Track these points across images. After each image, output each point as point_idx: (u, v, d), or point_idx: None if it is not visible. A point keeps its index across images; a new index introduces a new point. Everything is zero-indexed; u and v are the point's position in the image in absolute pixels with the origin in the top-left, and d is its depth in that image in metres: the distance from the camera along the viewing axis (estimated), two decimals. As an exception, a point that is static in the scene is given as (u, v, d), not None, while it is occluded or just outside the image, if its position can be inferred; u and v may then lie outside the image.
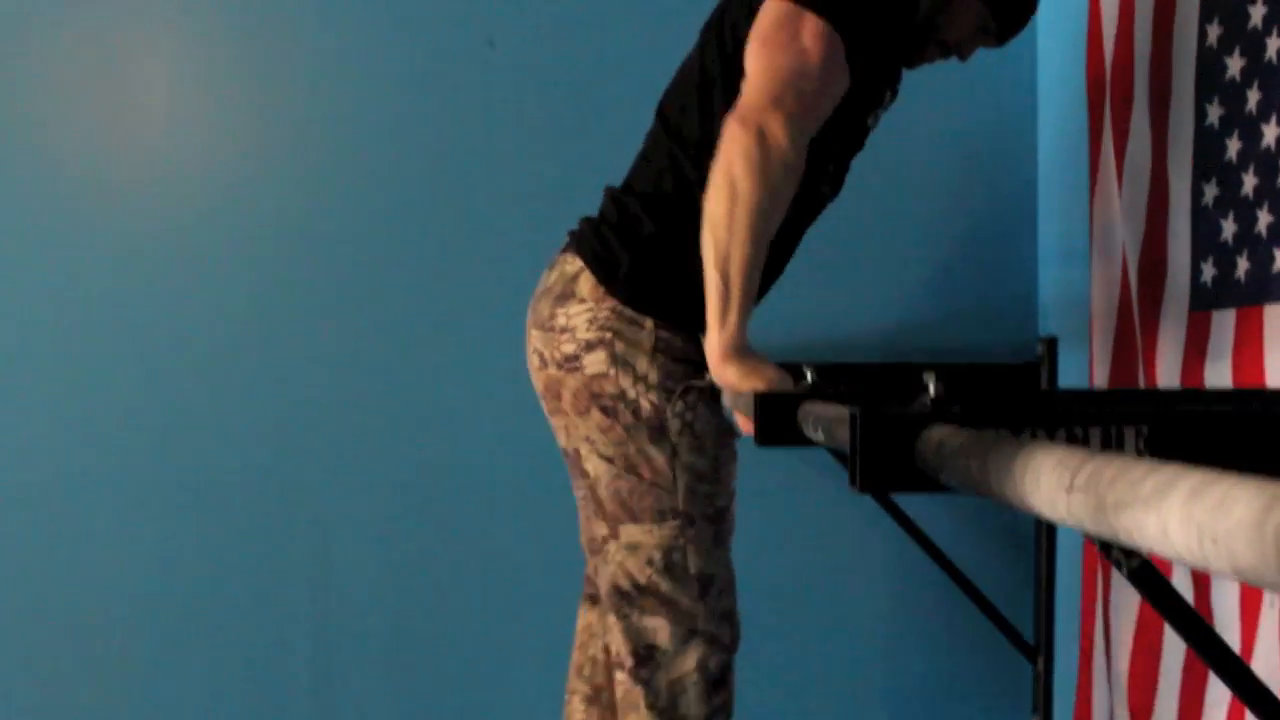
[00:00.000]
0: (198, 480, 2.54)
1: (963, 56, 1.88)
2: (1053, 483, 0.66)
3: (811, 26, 1.52)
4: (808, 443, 1.23)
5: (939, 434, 0.86)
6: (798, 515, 2.60)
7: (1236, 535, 0.49)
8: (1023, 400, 1.20)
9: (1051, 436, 0.90)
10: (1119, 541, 0.60)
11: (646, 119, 2.55)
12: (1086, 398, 1.32)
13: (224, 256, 2.55)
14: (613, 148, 2.58)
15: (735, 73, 1.60)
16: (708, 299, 1.50)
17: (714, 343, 1.50)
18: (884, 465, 0.89)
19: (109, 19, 2.55)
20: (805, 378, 1.34)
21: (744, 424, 1.58)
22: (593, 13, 2.59)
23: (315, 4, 2.58)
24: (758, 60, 1.53)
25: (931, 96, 2.62)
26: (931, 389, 0.92)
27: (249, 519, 2.55)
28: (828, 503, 2.58)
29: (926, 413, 0.89)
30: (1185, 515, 0.53)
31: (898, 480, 0.89)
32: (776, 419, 1.26)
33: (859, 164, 2.62)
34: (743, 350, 1.50)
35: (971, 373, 2.55)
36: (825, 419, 1.12)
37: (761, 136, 1.47)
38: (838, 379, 2.47)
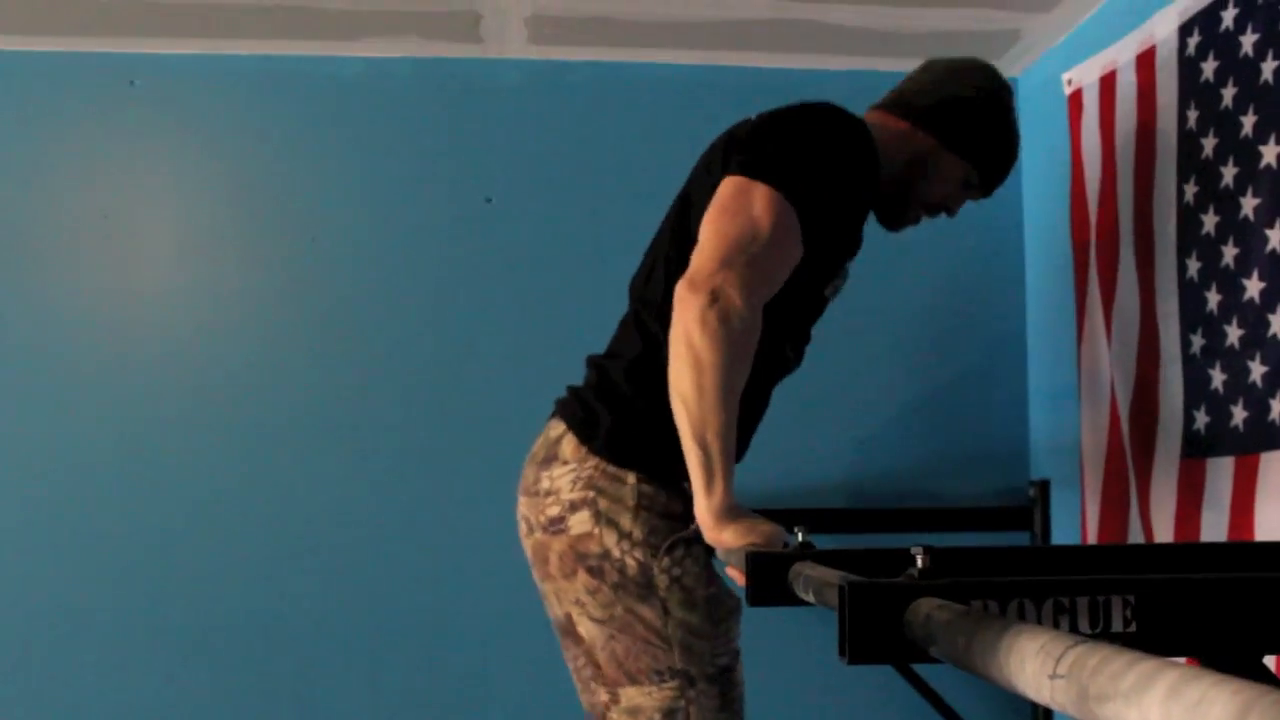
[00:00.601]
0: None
1: (951, 213, 1.91)
2: (1036, 668, 0.67)
3: (763, 195, 1.54)
4: (799, 603, 1.23)
5: (927, 607, 0.86)
6: (793, 662, 2.58)
7: (1214, 737, 0.50)
8: (1009, 567, 1.21)
9: (1039, 607, 0.91)
10: (1103, 732, 0.61)
11: (632, 266, 2.62)
12: (1073, 560, 1.33)
13: (222, 411, 2.58)
14: (604, 302, 2.64)
15: (694, 241, 1.62)
16: (690, 468, 1.49)
17: (704, 509, 1.48)
18: (873, 635, 0.90)
19: (117, 184, 2.62)
20: (796, 536, 1.34)
21: (738, 578, 1.57)
22: (586, 173, 2.66)
23: (318, 163, 2.64)
24: (709, 226, 1.54)
25: (920, 247, 2.68)
26: (919, 561, 0.93)
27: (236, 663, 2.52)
28: (825, 651, 2.55)
29: (914, 585, 0.90)
30: (1164, 712, 0.54)
31: (887, 651, 0.89)
32: (768, 579, 1.26)
33: (853, 311, 2.67)
34: (734, 510, 1.48)
35: (965, 516, 2.56)
36: (816, 581, 1.13)
37: (713, 298, 1.47)
38: (831, 524, 2.48)
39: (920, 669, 2.36)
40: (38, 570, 2.51)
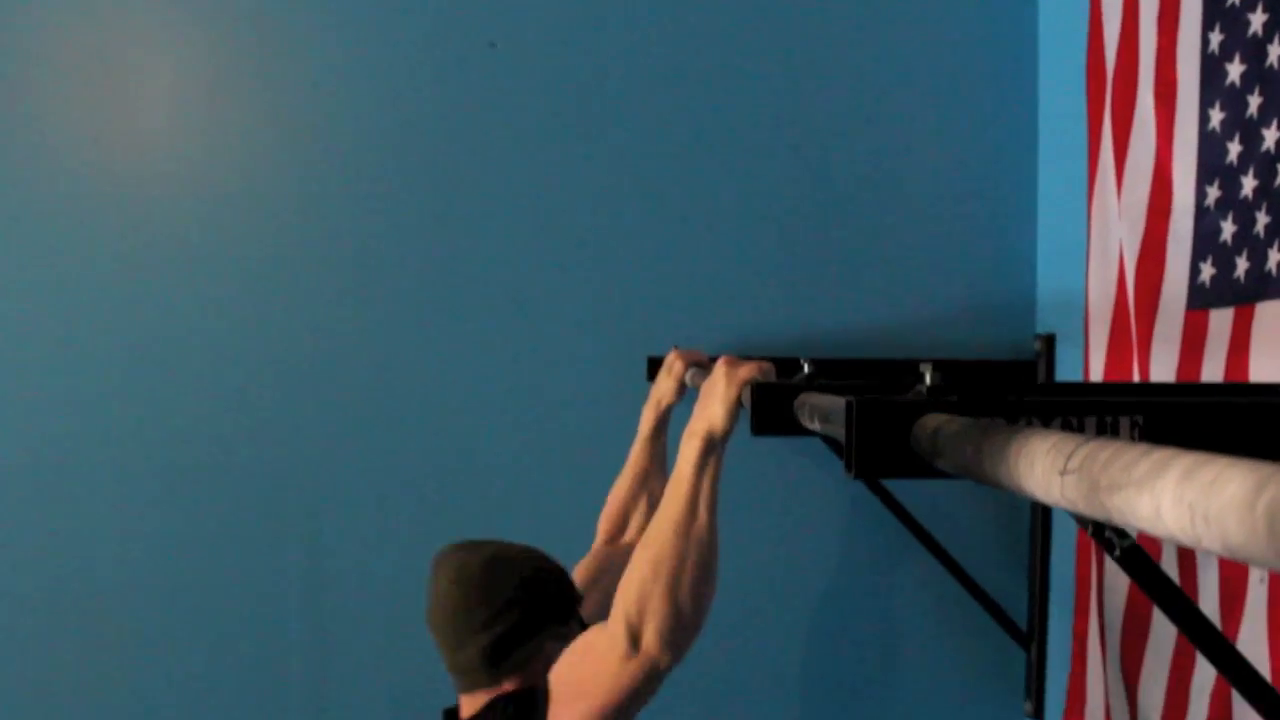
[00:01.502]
0: (189, 475, 2.54)
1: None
2: (1047, 466, 0.67)
3: None
4: (804, 432, 1.23)
5: (935, 421, 0.86)
6: (792, 506, 2.61)
7: (1228, 514, 0.50)
8: (1019, 390, 1.20)
9: (1047, 425, 0.90)
10: (1112, 522, 0.61)
11: (646, 120, 2.58)
12: (1082, 389, 1.33)
13: (223, 254, 2.55)
14: (612, 151, 2.61)
15: None
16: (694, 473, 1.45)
17: (705, 427, 1.46)
18: (880, 451, 0.90)
19: (114, 19, 2.55)
20: (802, 369, 1.34)
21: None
22: (592, 17, 2.59)
23: (317, 6, 2.57)
24: None
25: (932, 97, 2.64)
26: (928, 378, 0.92)
27: (241, 514, 2.56)
28: (823, 494, 2.59)
29: (923, 400, 0.90)
30: (1178, 496, 0.54)
31: (893, 466, 0.89)
32: (772, 409, 1.26)
33: (864, 162, 2.63)
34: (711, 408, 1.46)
35: (968, 369, 2.56)
36: (821, 408, 1.13)
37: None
38: (835, 372, 2.48)
39: (920, 515, 2.40)
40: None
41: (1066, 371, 2.52)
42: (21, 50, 2.53)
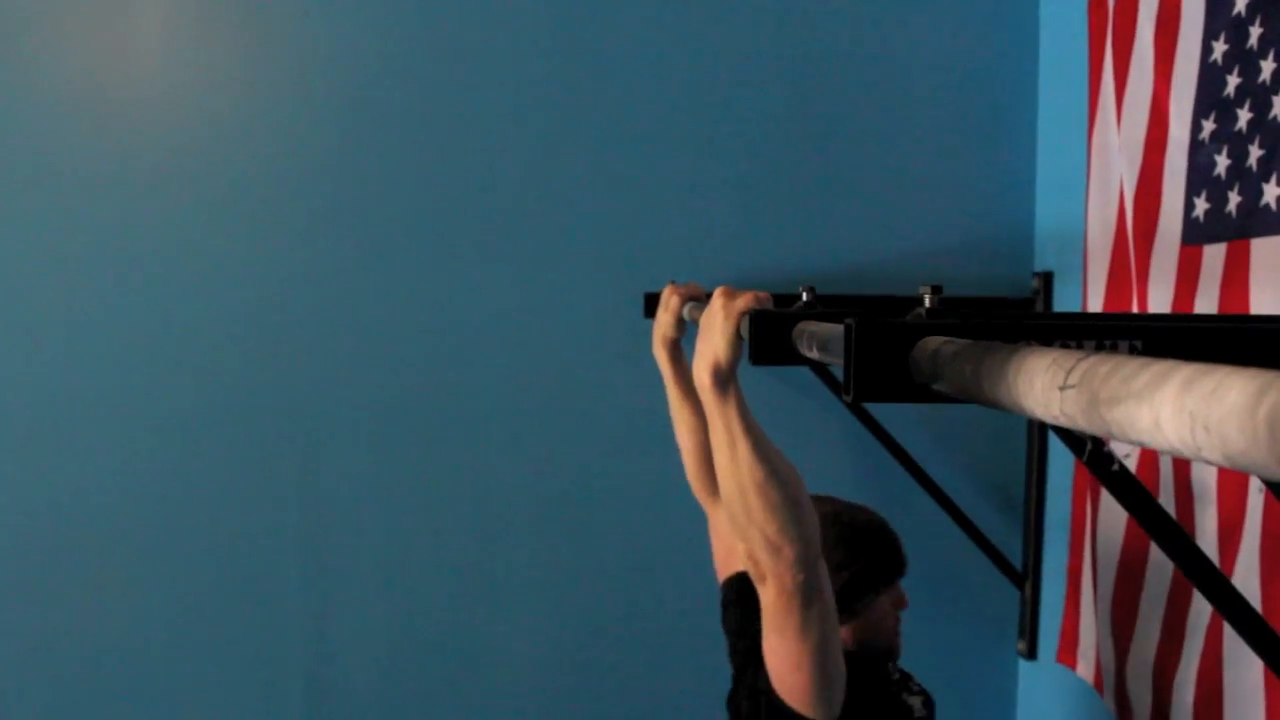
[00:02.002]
0: (186, 420, 2.55)
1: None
2: (1046, 382, 0.67)
3: None
4: (802, 361, 1.23)
5: (934, 343, 0.86)
6: (788, 442, 2.60)
7: (1229, 421, 0.50)
8: (1018, 315, 1.20)
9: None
10: (1111, 436, 0.61)
11: (642, 53, 2.55)
12: (1080, 317, 1.33)
13: (217, 183, 2.53)
14: (606, 83, 2.58)
15: None
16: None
17: (704, 367, 1.48)
18: (878, 374, 0.90)
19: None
20: (801, 298, 1.34)
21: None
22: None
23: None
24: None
25: (931, 30, 2.62)
26: (927, 301, 0.92)
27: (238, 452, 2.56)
28: (817, 430, 2.59)
29: (922, 323, 0.89)
30: (1178, 406, 0.54)
31: (892, 389, 0.89)
32: (771, 337, 1.26)
33: (863, 99, 2.61)
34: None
35: (967, 306, 2.56)
36: (820, 335, 1.13)
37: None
38: (833, 303, 2.48)
39: (917, 453, 2.40)
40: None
41: (1064, 309, 2.52)
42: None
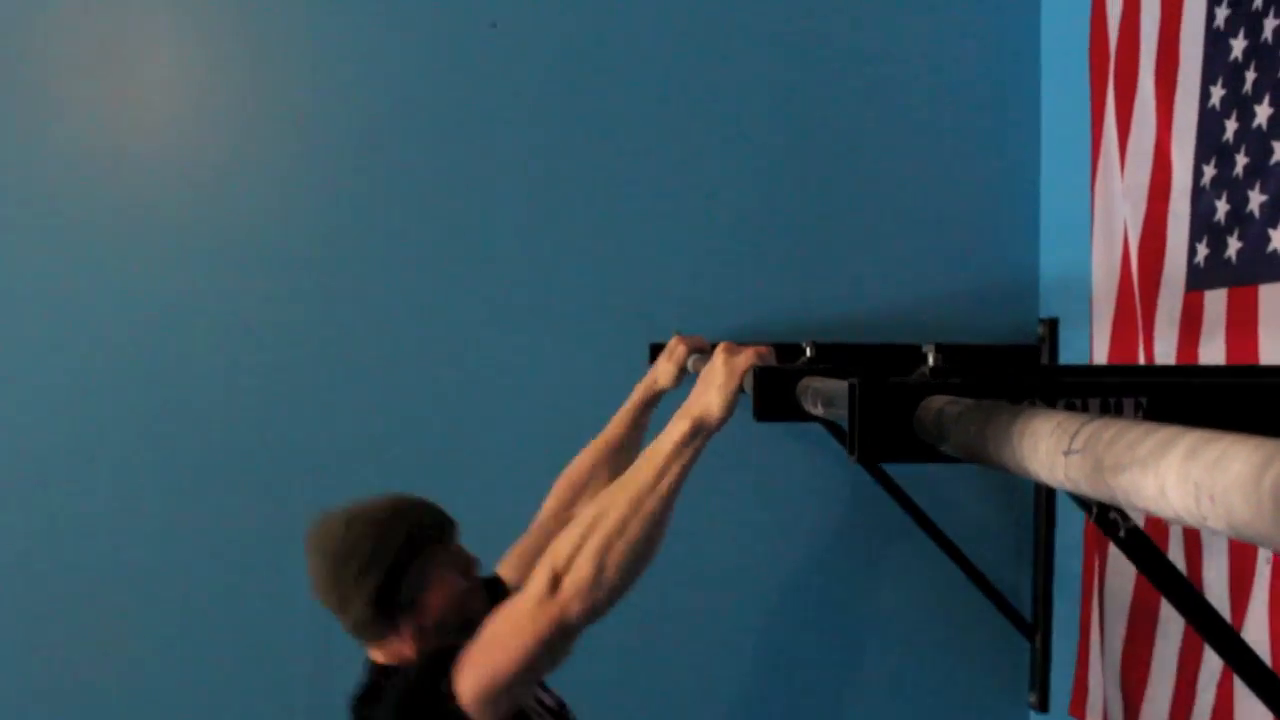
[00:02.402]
0: (186, 470, 2.55)
1: (472, 570, 1.77)
2: (1051, 446, 0.66)
3: None
4: (806, 417, 1.23)
5: (938, 402, 0.86)
6: (793, 494, 2.61)
7: (1233, 491, 0.49)
8: (1022, 372, 1.20)
9: (1051, 406, 0.90)
10: (1116, 503, 0.60)
11: (649, 104, 2.57)
12: (1085, 371, 1.32)
13: (223, 243, 2.54)
14: (615, 135, 2.60)
15: None
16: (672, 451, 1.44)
17: (698, 414, 1.44)
18: (883, 435, 0.89)
19: (114, 13, 2.54)
20: (804, 353, 1.33)
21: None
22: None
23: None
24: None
25: (935, 81, 2.63)
26: (931, 359, 0.92)
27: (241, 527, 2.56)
28: (825, 481, 2.59)
29: (926, 382, 0.89)
30: (1183, 474, 0.53)
31: (897, 449, 0.89)
32: (775, 394, 1.26)
33: (867, 148, 2.62)
34: (704, 393, 1.45)
35: (971, 353, 2.55)
36: (824, 392, 1.12)
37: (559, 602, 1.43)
38: (836, 356, 2.48)
39: (925, 504, 2.39)
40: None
41: (1070, 356, 2.51)
42: (23, 39, 2.53)
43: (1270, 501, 0.47)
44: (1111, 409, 0.91)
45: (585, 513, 1.45)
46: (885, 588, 2.65)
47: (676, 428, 1.45)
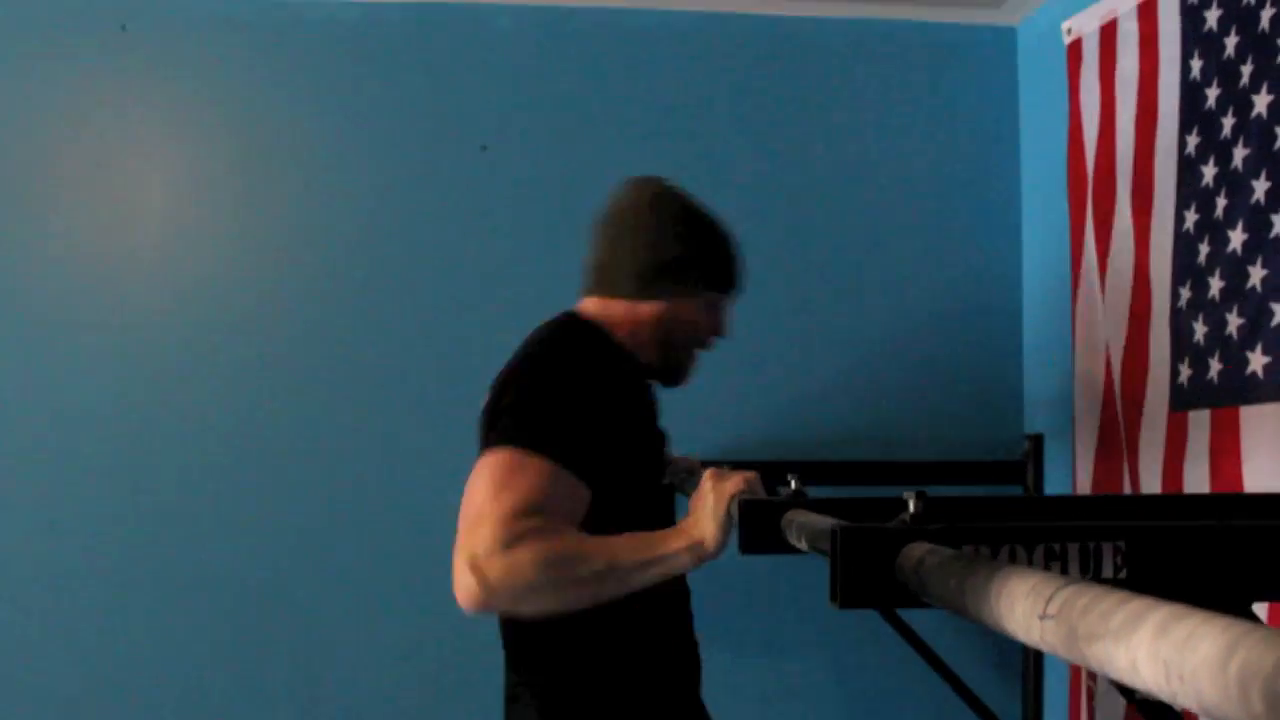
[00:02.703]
0: (187, 583, 2.53)
1: (721, 332, 1.83)
2: (1027, 609, 0.67)
3: (531, 467, 1.46)
4: (791, 550, 1.23)
5: (918, 551, 0.86)
6: (784, 608, 2.59)
7: (1201, 674, 0.50)
8: (1001, 514, 1.21)
9: (1030, 552, 0.91)
10: (1091, 669, 0.61)
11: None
12: (1065, 508, 1.33)
13: (219, 359, 2.57)
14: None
15: None
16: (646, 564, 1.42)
17: (687, 543, 1.43)
18: (865, 580, 0.90)
19: (109, 132, 2.59)
20: (789, 485, 1.34)
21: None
22: (582, 120, 2.65)
23: (313, 110, 2.62)
24: (477, 504, 1.44)
25: (915, 195, 2.68)
26: (911, 506, 0.93)
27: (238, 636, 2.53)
28: (814, 596, 2.57)
29: (906, 529, 0.90)
30: (1153, 650, 0.54)
31: (879, 596, 0.89)
32: (760, 527, 1.26)
33: (855, 267, 2.67)
34: (694, 521, 1.44)
35: (959, 470, 2.56)
36: (809, 528, 1.13)
37: (485, 585, 1.37)
38: (825, 476, 2.49)
39: (911, 620, 2.38)
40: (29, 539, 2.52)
41: (1056, 471, 2.53)
42: (17, 156, 2.57)
43: (1237, 687, 0.48)
44: (1090, 554, 0.92)
45: (567, 538, 1.41)
46: (872, 701, 2.62)
47: (678, 541, 1.43)
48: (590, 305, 1.76)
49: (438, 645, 2.54)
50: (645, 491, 1.69)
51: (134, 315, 2.57)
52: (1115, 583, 0.92)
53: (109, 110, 2.59)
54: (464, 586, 1.37)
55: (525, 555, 1.36)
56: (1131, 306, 2.20)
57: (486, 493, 1.43)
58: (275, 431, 2.56)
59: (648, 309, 1.73)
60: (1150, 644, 0.54)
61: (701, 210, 1.77)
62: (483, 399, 1.63)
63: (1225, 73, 1.95)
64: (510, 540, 1.37)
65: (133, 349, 2.56)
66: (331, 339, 2.58)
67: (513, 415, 1.51)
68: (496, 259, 2.61)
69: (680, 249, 1.73)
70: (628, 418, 1.64)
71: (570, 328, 1.69)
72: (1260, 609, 1.67)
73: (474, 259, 2.61)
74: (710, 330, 1.80)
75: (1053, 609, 0.64)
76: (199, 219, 2.61)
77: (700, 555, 1.44)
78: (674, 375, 1.80)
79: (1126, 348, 2.21)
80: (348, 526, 2.56)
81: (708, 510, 1.44)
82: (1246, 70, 1.89)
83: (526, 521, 1.39)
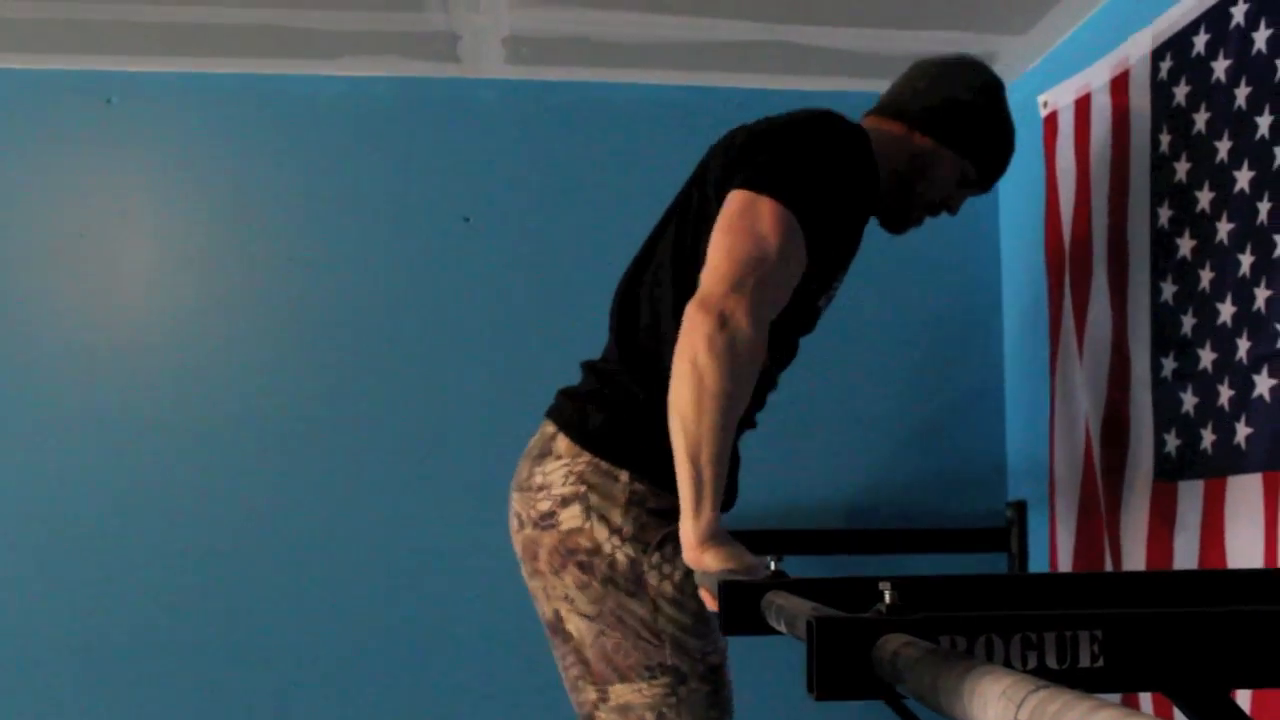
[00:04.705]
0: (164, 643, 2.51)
1: (952, 211, 1.94)
2: (999, 711, 0.67)
3: (769, 211, 1.53)
4: (772, 632, 1.23)
5: (894, 644, 0.86)
6: (766, 666, 2.57)
7: (1169, 792, 0.50)
8: (979, 598, 1.21)
9: (1007, 643, 0.91)
10: (1063, 779, 0.61)
11: (609, 289, 2.62)
12: (1043, 590, 1.33)
13: (203, 430, 2.56)
14: (584, 320, 2.64)
15: (694, 255, 1.62)
16: (680, 488, 1.48)
17: (689, 530, 1.47)
18: (841, 671, 0.90)
19: (93, 204, 2.60)
20: (769, 565, 1.34)
21: (710, 602, 1.57)
22: (564, 193, 2.67)
23: (296, 185, 2.64)
24: (718, 248, 1.53)
25: (897, 267, 2.70)
26: (887, 597, 0.93)
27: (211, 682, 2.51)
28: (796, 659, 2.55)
29: (881, 620, 0.90)
30: (1121, 764, 0.54)
31: (856, 688, 0.89)
32: (741, 608, 1.26)
33: (840, 338, 2.68)
34: (718, 536, 1.47)
35: (942, 538, 2.57)
36: (787, 612, 1.13)
37: (723, 321, 1.46)
38: (807, 545, 2.48)
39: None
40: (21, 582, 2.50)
41: (1039, 538, 2.53)
42: (6, 225, 2.58)
43: (1204, 807, 0.48)
44: (1067, 643, 0.92)
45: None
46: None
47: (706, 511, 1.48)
48: (866, 120, 1.85)
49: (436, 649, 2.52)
50: (815, 296, 1.76)
51: (117, 388, 2.56)
52: (1093, 671, 0.92)
53: (92, 183, 2.61)
54: (714, 342, 1.46)
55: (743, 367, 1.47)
56: (1110, 376, 2.21)
57: (748, 246, 1.52)
58: (260, 508, 2.55)
59: (917, 140, 1.83)
60: (1119, 757, 0.54)
61: (1010, 122, 1.91)
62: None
63: (1196, 146, 1.98)
64: (762, 328, 1.49)
65: (115, 420, 2.55)
66: (320, 413, 2.58)
67: (778, 167, 1.59)
68: (481, 332, 2.62)
69: (981, 120, 1.85)
70: (853, 215, 1.71)
71: (842, 118, 1.72)
72: (1246, 695, 1.66)
73: (459, 331, 2.62)
74: (947, 202, 1.90)
75: (1024, 714, 0.64)
76: (183, 292, 2.61)
77: (685, 540, 1.48)
78: (896, 217, 1.89)
79: (1105, 417, 2.22)
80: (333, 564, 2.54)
81: (713, 556, 1.46)
82: (1224, 146, 1.91)
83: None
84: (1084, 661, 0.92)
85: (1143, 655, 0.93)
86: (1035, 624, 0.92)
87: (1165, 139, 2.06)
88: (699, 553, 1.47)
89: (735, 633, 1.28)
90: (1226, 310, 1.91)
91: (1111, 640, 0.92)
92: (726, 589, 1.29)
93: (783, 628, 1.17)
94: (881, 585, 0.93)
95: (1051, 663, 0.91)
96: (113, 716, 2.49)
